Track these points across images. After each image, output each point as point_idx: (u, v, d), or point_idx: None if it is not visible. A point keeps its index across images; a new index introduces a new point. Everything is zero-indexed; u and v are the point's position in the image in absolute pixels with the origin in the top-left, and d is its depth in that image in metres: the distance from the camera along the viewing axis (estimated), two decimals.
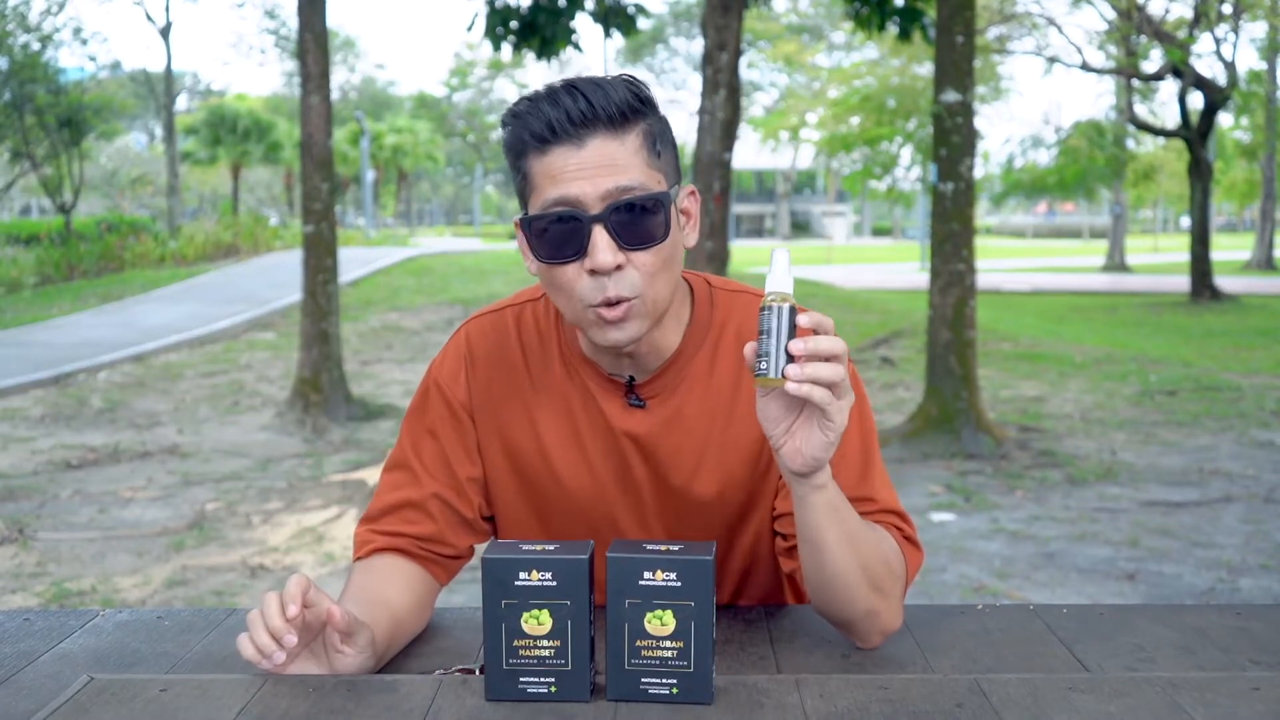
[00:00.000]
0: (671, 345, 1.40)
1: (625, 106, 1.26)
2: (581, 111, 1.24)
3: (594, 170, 1.25)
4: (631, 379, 1.40)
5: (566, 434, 1.43)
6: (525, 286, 1.54)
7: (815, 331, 1.13)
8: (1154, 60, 18.52)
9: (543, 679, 1.18)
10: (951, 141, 7.42)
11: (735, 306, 1.43)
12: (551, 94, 1.26)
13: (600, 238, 1.25)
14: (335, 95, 34.58)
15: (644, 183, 1.26)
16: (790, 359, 1.12)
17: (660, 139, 1.30)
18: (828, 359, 1.12)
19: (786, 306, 1.14)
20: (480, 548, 1.41)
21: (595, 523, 1.44)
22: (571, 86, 1.26)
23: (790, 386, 1.11)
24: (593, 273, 1.26)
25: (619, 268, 1.26)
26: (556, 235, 1.27)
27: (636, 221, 1.26)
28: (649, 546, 1.18)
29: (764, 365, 1.13)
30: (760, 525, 1.45)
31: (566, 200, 1.25)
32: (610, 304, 1.27)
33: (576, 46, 9.03)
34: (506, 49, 9.02)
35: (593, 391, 1.42)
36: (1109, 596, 4.64)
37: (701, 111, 8.11)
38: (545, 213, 1.26)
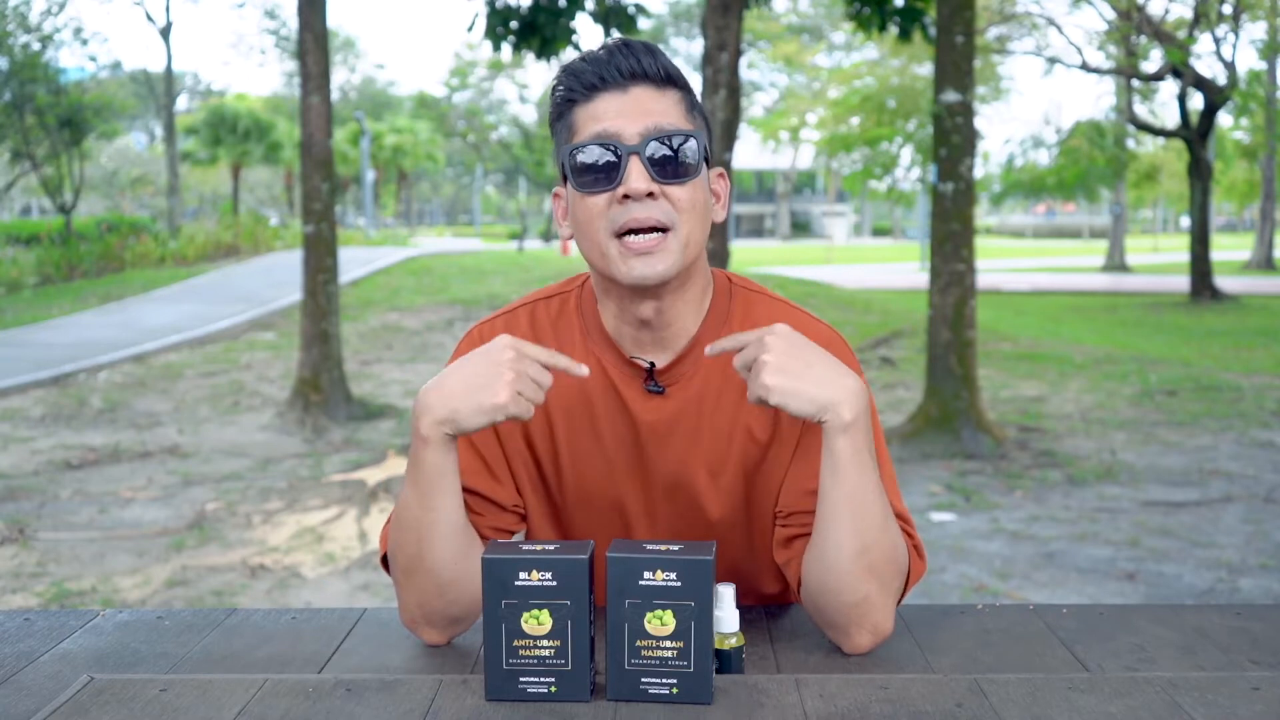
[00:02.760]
0: (692, 329, 1.42)
1: (671, 72, 1.36)
2: (630, 66, 1.34)
3: (634, 111, 1.33)
4: (652, 365, 1.42)
5: (583, 421, 1.44)
6: (526, 288, 1.54)
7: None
8: (1154, 60, 18.53)
9: (543, 679, 1.18)
10: (951, 142, 7.42)
11: (753, 305, 1.46)
12: (605, 50, 1.36)
13: (635, 167, 1.32)
14: (335, 95, 34.64)
15: (680, 126, 1.35)
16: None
17: (697, 111, 1.39)
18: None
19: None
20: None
21: (603, 510, 1.46)
22: (624, 44, 1.36)
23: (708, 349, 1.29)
24: (625, 199, 1.32)
25: (651, 195, 1.32)
26: (593, 165, 1.33)
27: (671, 157, 1.33)
28: (649, 546, 1.18)
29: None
30: (763, 525, 1.46)
31: (606, 133, 1.33)
32: (639, 231, 1.32)
33: (576, 47, 9.03)
34: (506, 49, 9.02)
35: (612, 378, 1.43)
36: (1109, 596, 4.64)
37: None
38: (584, 142, 1.34)
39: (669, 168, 1.32)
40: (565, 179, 1.38)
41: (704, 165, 1.37)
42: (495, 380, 1.24)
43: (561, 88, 1.38)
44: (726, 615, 1.24)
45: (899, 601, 1.34)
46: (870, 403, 1.40)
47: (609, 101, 1.34)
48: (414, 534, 1.31)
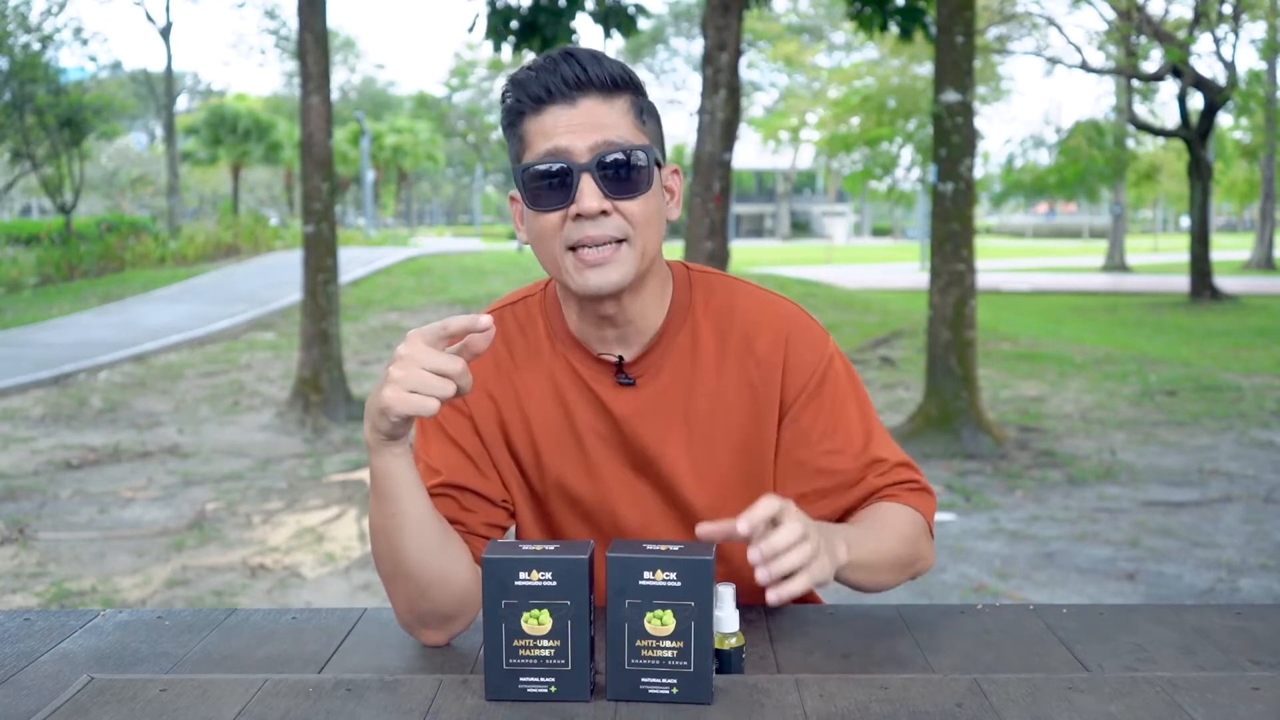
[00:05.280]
0: (655, 323, 1.45)
1: (617, 77, 1.36)
2: (576, 76, 1.33)
3: (583, 126, 1.33)
4: (620, 358, 1.44)
5: (558, 417, 1.46)
6: (524, 287, 1.57)
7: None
8: (1154, 60, 18.53)
9: (543, 679, 1.18)
10: (951, 142, 7.42)
11: (713, 289, 1.49)
12: (550, 60, 1.35)
13: (587, 185, 1.33)
14: (335, 95, 34.56)
15: (630, 140, 1.35)
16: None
17: (646, 113, 1.39)
18: (787, 549, 1.16)
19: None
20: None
21: (585, 501, 1.47)
22: (568, 54, 1.35)
23: (773, 599, 1.15)
24: (578, 218, 1.33)
25: (604, 213, 1.33)
26: (546, 184, 1.35)
27: (622, 173, 1.34)
28: (649, 546, 1.18)
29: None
30: None
31: (557, 150, 1.33)
32: (594, 245, 1.34)
33: None
34: (507, 49, 9.03)
35: (582, 375, 1.46)
36: (1109, 596, 4.64)
37: (701, 112, 8.10)
38: (536, 161, 1.34)
39: (621, 183, 1.34)
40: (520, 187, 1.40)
41: (656, 173, 1.38)
42: (384, 383, 1.22)
43: (510, 98, 1.38)
44: (726, 615, 1.24)
45: (931, 540, 1.50)
46: (847, 366, 1.49)
47: (557, 115, 1.34)
48: (384, 539, 1.32)
